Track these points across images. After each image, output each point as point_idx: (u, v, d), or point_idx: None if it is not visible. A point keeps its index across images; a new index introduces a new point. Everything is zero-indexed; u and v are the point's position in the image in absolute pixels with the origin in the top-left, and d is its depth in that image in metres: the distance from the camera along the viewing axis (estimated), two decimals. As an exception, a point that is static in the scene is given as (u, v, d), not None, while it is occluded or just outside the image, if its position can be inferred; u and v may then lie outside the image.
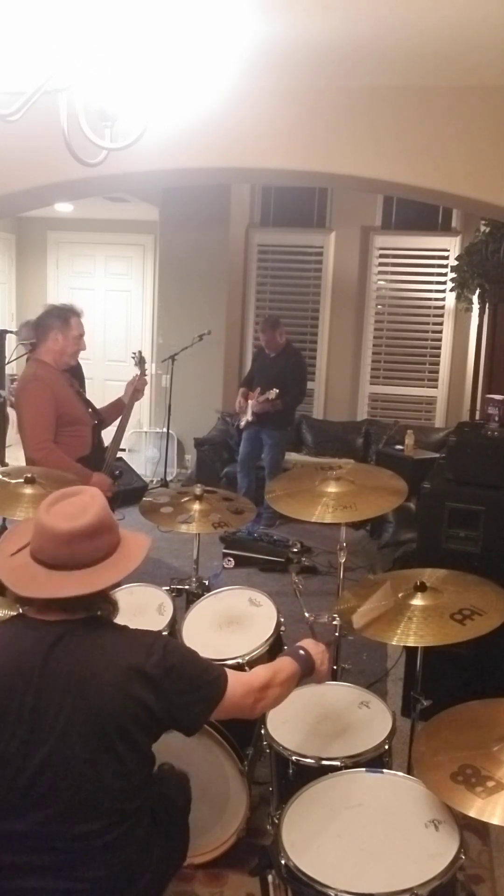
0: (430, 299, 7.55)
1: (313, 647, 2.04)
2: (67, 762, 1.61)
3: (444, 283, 7.18)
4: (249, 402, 6.18)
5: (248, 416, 6.18)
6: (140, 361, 4.22)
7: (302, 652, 2.00)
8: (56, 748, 1.60)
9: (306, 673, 1.99)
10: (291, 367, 6.22)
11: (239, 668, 2.52)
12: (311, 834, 1.78)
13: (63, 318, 3.63)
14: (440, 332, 7.55)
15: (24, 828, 1.63)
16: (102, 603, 1.72)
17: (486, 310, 6.20)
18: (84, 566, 1.67)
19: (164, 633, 2.71)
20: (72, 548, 1.66)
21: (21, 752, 1.61)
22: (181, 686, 1.69)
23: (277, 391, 5.93)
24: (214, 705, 1.74)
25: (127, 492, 5.37)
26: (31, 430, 3.52)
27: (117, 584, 1.76)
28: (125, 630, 1.76)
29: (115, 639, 1.71)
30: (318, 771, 2.08)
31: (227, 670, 1.80)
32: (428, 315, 7.58)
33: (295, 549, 5.10)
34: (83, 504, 1.71)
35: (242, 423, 6.31)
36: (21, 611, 1.73)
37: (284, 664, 1.94)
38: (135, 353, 4.37)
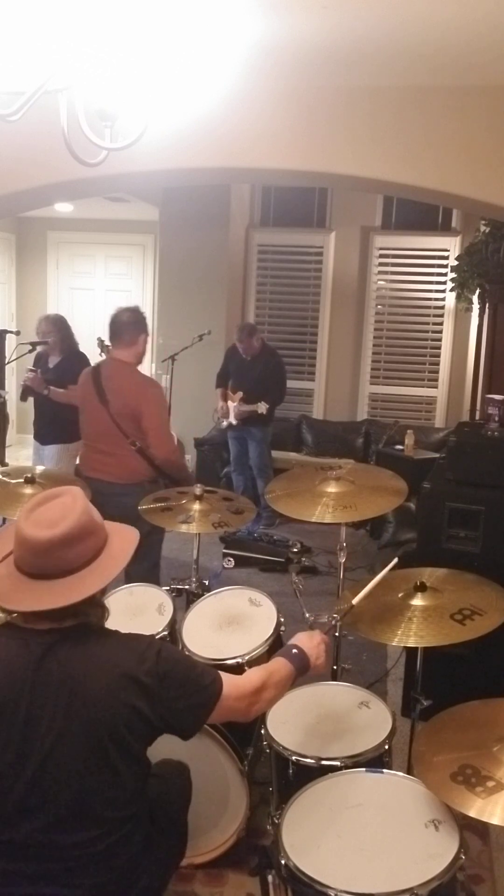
0: (430, 299, 7.54)
1: (307, 642, 2.02)
2: (61, 772, 1.60)
3: (444, 283, 7.18)
4: (230, 404, 6.18)
5: (232, 420, 6.19)
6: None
7: (295, 651, 1.99)
8: (50, 758, 1.59)
9: (301, 671, 1.97)
10: (271, 369, 6.23)
11: (239, 668, 2.52)
12: (311, 834, 1.78)
13: (145, 321, 3.80)
14: (440, 332, 7.55)
15: (19, 837, 1.62)
16: (91, 608, 1.69)
17: (486, 310, 6.19)
18: (67, 573, 1.64)
19: (164, 633, 2.72)
20: (52, 556, 1.63)
21: (15, 762, 1.60)
22: (175, 692, 1.67)
23: (267, 406, 5.96)
24: (210, 710, 1.73)
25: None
26: (165, 432, 3.68)
27: (105, 590, 1.74)
28: (116, 636, 1.73)
29: (106, 646, 1.69)
30: (318, 771, 2.08)
31: (222, 674, 1.78)
32: (428, 315, 7.58)
33: (295, 549, 5.11)
34: (63, 509, 1.66)
35: (224, 425, 6.33)
36: (9, 619, 1.71)
37: (279, 666, 1.93)
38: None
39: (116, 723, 1.61)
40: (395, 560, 2.35)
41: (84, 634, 1.67)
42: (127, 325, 3.74)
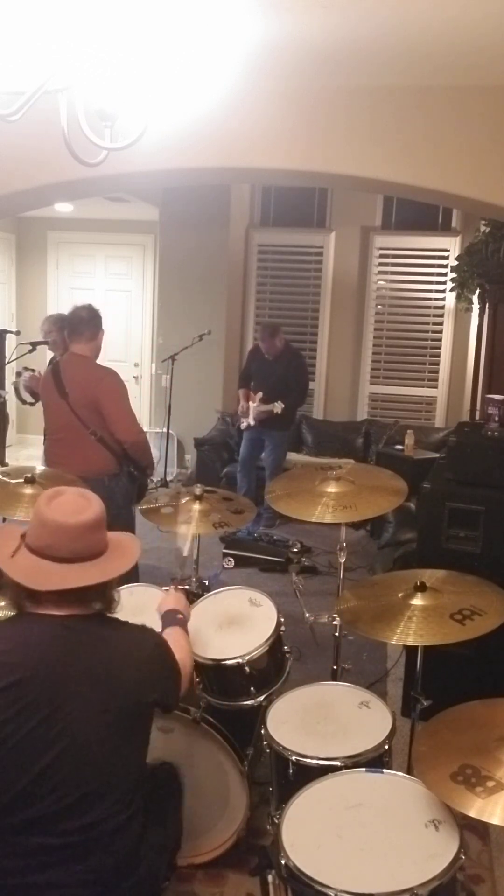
0: (430, 299, 7.54)
1: (176, 602, 2.26)
2: (83, 753, 1.66)
3: (444, 283, 7.18)
4: (251, 404, 6.16)
5: (251, 420, 6.17)
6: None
7: (180, 616, 2.20)
8: (73, 740, 1.65)
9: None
10: (293, 370, 6.19)
11: (239, 668, 2.52)
12: (311, 834, 1.78)
13: (101, 319, 3.92)
14: (440, 332, 7.55)
15: (25, 819, 1.66)
16: (113, 595, 1.81)
17: (486, 310, 6.20)
18: (94, 556, 1.77)
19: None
20: (85, 539, 1.75)
21: (37, 744, 1.64)
22: (166, 672, 1.84)
23: (283, 406, 5.95)
24: (180, 682, 1.92)
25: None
26: (128, 416, 3.78)
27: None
28: (124, 624, 1.85)
29: (119, 632, 1.81)
30: (318, 771, 2.08)
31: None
32: (428, 315, 7.58)
33: (295, 549, 5.10)
34: (79, 500, 1.81)
35: (244, 426, 6.29)
36: (23, 609, 1.77)
37: (182, 638, 2.11)
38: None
39: (136, 705, 1.72)
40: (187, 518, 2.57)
41: (101, 622, 1.78)
42: (87, 322, 3.86)
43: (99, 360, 3.92)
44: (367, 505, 2.74)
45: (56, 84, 2.00)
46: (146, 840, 1.80)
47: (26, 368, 5.04)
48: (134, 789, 1.76)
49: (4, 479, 3.10)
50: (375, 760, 2.16)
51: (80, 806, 1.66)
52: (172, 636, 2.08)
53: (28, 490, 2.96)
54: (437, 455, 5.61)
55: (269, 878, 1.80)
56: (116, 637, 1.78)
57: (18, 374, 5.02)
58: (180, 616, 2.20)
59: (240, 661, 2.55)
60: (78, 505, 1.78)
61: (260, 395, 6.10)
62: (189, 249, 7.46)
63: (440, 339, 7.56)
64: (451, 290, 6.69)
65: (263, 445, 6.32)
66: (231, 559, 5.32)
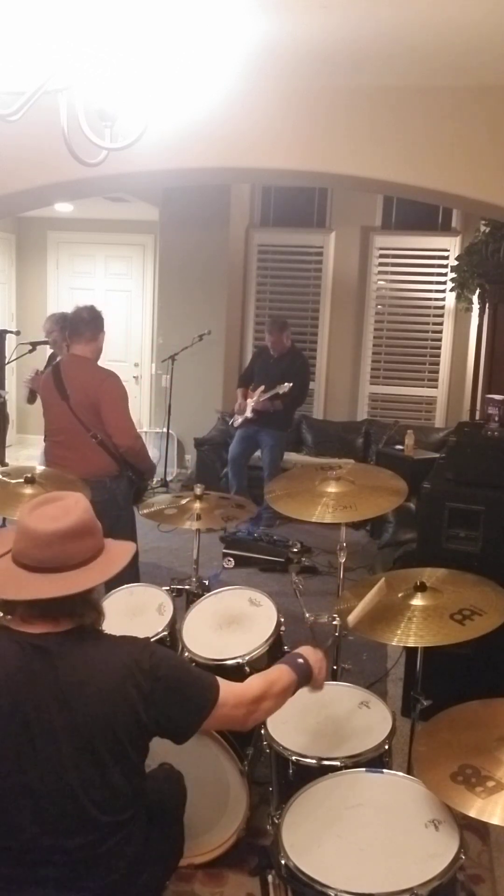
0: (430, 299, 7.54)
1: (312, 655, 2.00)
2: (59, 777, 1.59)
3: (444, 283, 7.18)
4: (249, 400, 6.15)
5: (248, 413, 6.13)
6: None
7: (301, 660, 1.96)
8: (47, 764, 1.59)
9: (303, 682, 1.96)
10: (296, 369, 6.18)
11: (239, 668, 2.52)
12: (311, 834, 1.78)
13: (103, 320, 3.89)
14: (440, 332, 7.55)
15: (21, 842, 1.62)
16: (87, 610, 1.68)
17: (486, 310, 6.20)
18: (67, 568, 1.64)
19: (164, 633, 2.72)
20: (54, 549, 1.63)
21: (12, 768, 1.59)
22: (170, 696, 1.67)
23: (290, 384, 5.90)
24: (204, 716, 1.71)
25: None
26: (126, 421, 3.76)
27: (99, 593, 1.73)
28: (111, 639, 1.73)
29: (101, 649, 1.68)
30: (319, 771, 2.08)
31: (221, 681, 1.77)
32: (428, 315, 7.58)
33: (295, 549, 5.11)
34: (66, 507, 1.69)
35: (239, 422, 6.24)
36: (3, 622, 1.69)
37: (281, 674, 1.90)
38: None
39: (112, 727, 1.60)
40: (383, 580, 2.33)
41: (79, 638, 1.67)
42: (88, 323, 3.83)
43: (99, 361, 3.92)
44: (367, 505, 2.74)
45: (56, 84, 2.00)
46: (148, 849, 1.77)
47: (38, 371, 5.00)
48: (128, 807, 1.69)
49: (4, 479, 3.10)
50: (375, 760, 2.16)
51: (65, 831, 1.62)
52: (271, 671, 1.91)
53: (28, 490, 2.96)
54: (437, 455, 5.60)
55: (269, 878, 1.80)
56: (92, 655, 1.65)
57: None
58: (300, 661, 1.96)
59: (240, 661, 2.55)
60: (58, 512, 1.67)
61: (262, 388, 6.08)
62: (189, 249, 7.46)
63: (440, 339, 7.56)
64: (451, 290, 6.69)
65: (256, 444, 6.28)
66: (231, 559, 5.32)
